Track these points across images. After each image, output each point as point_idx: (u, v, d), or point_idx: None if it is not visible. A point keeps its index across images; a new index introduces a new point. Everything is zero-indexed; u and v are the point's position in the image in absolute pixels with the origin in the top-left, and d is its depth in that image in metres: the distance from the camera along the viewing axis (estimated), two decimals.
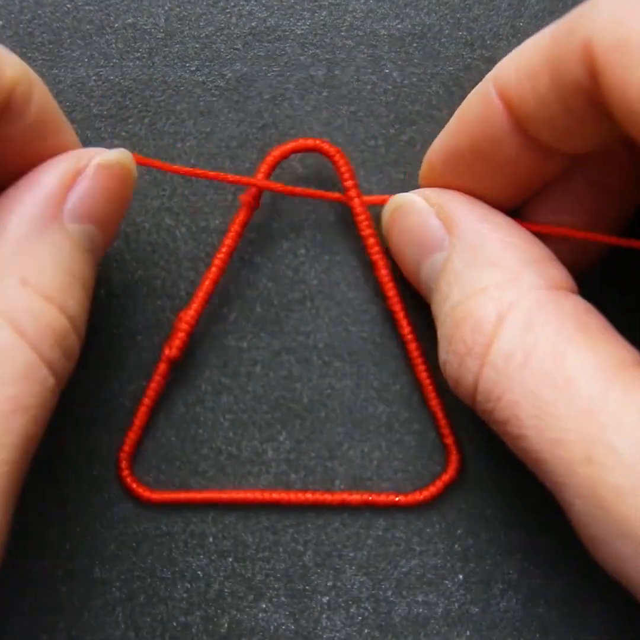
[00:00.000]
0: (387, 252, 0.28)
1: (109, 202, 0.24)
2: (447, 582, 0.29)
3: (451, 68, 0.30)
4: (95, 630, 0.29)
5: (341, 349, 0.30)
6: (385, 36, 0.30)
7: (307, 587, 0.29)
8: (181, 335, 0.28)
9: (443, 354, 0.25)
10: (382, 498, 0.29)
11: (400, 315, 0.29)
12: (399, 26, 0.30)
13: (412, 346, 0.29)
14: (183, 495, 0.29)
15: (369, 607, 0.29)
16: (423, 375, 0.29)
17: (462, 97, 0.30)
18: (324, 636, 0.29)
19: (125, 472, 0.29)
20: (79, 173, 0.24)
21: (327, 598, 0.29)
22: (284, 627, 0.29)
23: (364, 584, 0.29)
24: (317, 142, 0.28)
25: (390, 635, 0.29)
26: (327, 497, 0.29)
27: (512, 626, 0.29)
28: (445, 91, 0.30)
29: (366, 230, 0.28)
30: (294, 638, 0.29)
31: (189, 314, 0.28)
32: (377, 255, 0.29)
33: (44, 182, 0.23)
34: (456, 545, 0.29)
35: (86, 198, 0.23)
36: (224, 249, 0.28)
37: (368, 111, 0.30)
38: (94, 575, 0.29)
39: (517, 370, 0.22)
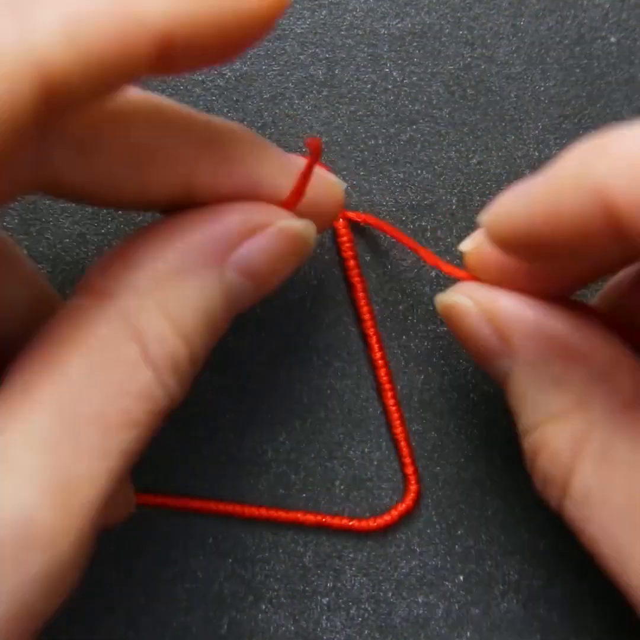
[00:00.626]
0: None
1: (275, 266, 0.23)
2: (447, 583, 0.29)
3: (451, 67, 0.30)
4: (96, 630, 0.29)
5: (341, 349, 0.30)
6: (385, 35, 0.30)
7: (307, 588, 0.29)
8: None
9: (528, 466, 0.25)
10: (336, 521, 0.29)
11: (374, 339, 0.29)
12: (399, 25, 0.30)
13: (382, 372, 0.29)
14: (152, 500, 0.29)
15: (369, 608, 0.29)
16: (390, 402, 0.29)
17: (463, 97, 0.30)
18: (324, 637, 0.29)
19: None
20: (261, 228, 0.23)
21: (327, 599, 0.29)
22: (283, 628, 0.29)
23: (364, 585, 0.29)
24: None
25: (391, 637, 0.29)
26: (281, 514, 0.29)
27: (512, 627, 0.29)
28: (446, 90, 0.30)
29: (347, 252, 0.29)
30: (294, 639, 0.29)
31: None
32: (356, 278, 0.29)
33: (224, 223, 0.23)
34: (456, 546, 0.29)
35: (256, 255, 0.23)
36: None
37: (368, 110, 0.30)
38: (94, 575, 0.29)
39: (597, 507, 0.22)
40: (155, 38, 0.18)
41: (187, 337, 0.22)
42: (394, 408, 0.29)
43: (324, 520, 0.29)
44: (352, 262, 0.29)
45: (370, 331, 0.29)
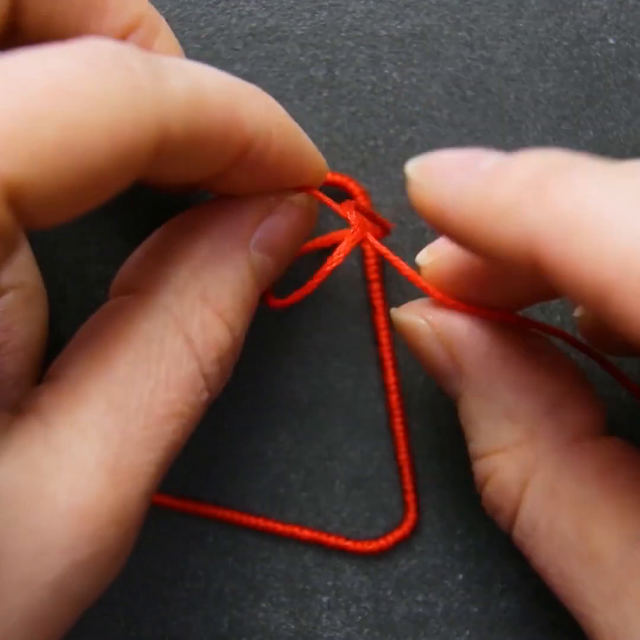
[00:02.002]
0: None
1: (290, 237, 0.25)
2: (446, 581, 0.29)
3: (451, 69, 0.30)
4: (96, 629, 0.29)
5: (341, 349, 0.30)
6: (385, 37, 0.30)
7: (307, 587, 0.29)
8: None
9: (477, 488, 0.25)
10: (331, 539, 0.29)
11: (389, 363, 0.29)
12: (399, 27, 0.30)
13: (394, 397, 0.29)
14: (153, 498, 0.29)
15: (369, 607, 0.29)
16: (399, 428, 0.29)
17: (462, 98, 0.30)
18: (324, 636, 0.29)
19: None
20: (274, 206, 0.24)
21: (327, 597, 0.29)
22: (284, 627, 0.29)
23: (364, 584, 0.29)
24: (344, 179, 0.29)
25: (390, 635, 0.29)
26: (278, 526, 0.29)
27: (511, 626, 0.29)
28: (445, 92, 0.30)
29: (373, 275, 0.28)
30: (294, 637, 0.29)
31: None
32: (378, 301, 0.29)
33: (242, 210, 0.24)
34: (456, 545, 0.29)
35: (273, 231, 0.24)
36: None
37: (368, 112, 0.30)
38: None
39: (543, 540, 0.22)
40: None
41: (227, 320, 0.23)
42: (401, 434, 0.29)
43: (320, 537, 0.29)
44: (376, 285, 0.29)
45: (386, 355, 0.29)
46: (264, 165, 0.22)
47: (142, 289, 0.22)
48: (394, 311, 0.26)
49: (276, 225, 0.24)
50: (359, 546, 0.29)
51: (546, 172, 0.19)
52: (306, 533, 0.29)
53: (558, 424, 0.23)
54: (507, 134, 0.30)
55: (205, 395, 0.22)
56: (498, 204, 0.19)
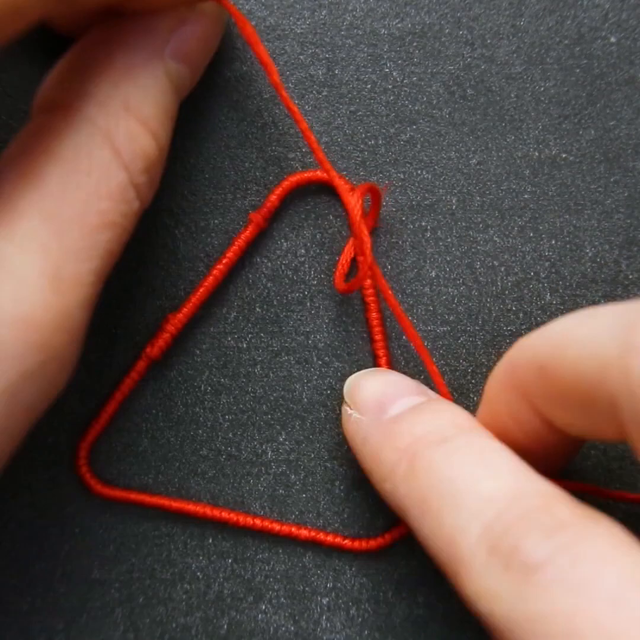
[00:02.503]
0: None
1: (202, 45, 0.26)
2: (447, 583, 0.29)
3: (451, 67, 0.30)
4: (94, 631, 0.29)
5: (341, 349, 0.30)
6: (385, 35, 0.30)
7: (306, 588, 0.29)
8: (165, 336, 0.29)
9: None
10: (329, 538, 0.29)
11: (383, 360, 0.29)
12: (399, 25, 0.30)
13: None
14: (134, 496, 0.29)
15: (369, 609, 0.29)
16: None
17: (463, 97, 0.30)
18: (324, 637, 0.29)
19: (82, 462, 0.29)
20: (184, 20, 0.25)
21: (327, 599, 0.29)
22: (283, 629, 0.29)
23: (364, 585, 0.29)
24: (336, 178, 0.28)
25: (391, 637, 0.29)
26: (275, 526, 0.29)
27: None
28: (446, 90, 0.30)
29: (364, 271, 0.28)
30: (294, 639, 0.29)
31: (178, 317, 0.29)
32: (371, 298, 0.29)
33: (155, 22, 0.24)
34: None
35: (186, 40, 0.25)
36: (224, 261, 0.29)
37: (368, 110, 0.30)
38: (93, 576, 0.29)
39: None
40: None
41: (152, 129, 0.23)
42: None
43: (317, 536, 0.29)
44: (368, 282, 0.29)
45: (380, 352, 0.29)
46: None
47: (64, 105, 0.22)
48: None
49: (189, 33, 0.25)
50: (357, 545, 0.29)
51: (418, 445, 0.22)
52: (304, 533, 0.29)
53: None
54: (508, 133, 0.30)
55: (136, 205, 0.23)
56: (381, 467, 0.23)
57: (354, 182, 0.30)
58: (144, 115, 0.23)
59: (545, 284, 0.30)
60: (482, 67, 0.30)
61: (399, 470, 0.22)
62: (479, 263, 0.30)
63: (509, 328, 0.30)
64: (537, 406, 0.23)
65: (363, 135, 0.30)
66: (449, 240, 0.30)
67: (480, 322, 0.30)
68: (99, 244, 0.22)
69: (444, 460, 0.22)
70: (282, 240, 0.30)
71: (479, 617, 0.20)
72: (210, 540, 0.29)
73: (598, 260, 0.30)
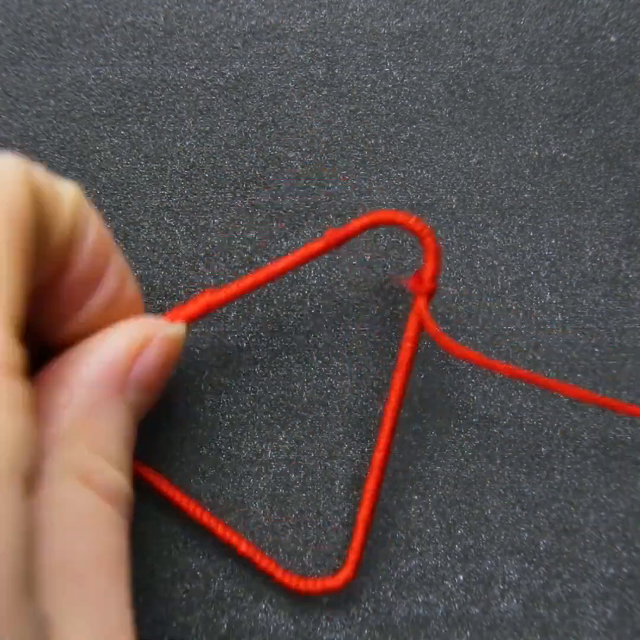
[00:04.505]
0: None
1: (164, 373, 0.25)
2: (447, 582, 0.29)
3: (451, 66, 0.30)
4: None
5: (341, 349, 0.30)
6: (385, 34, 0.30)
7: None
8: (197, 306, 0.27)
9: None
10: (279, 574, 0.28)
11: (387, 427, 0.28)
12: (399, 24, 0.30)
13: (379, 456, 0.28)
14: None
15: (369, 608, 0.29)
16: (372, 485, 0.28)
17: (463, 96, 0.30)
18: (324, 637, 0.29)
19: None
20: (146, 344, 0.25)
21: (327, 599, 0.29)
22: (283, 628, 0.29)
23: (364, 585, 0.29)
24: (411, 221, 0.26)
25: (390, 636, 0.29)
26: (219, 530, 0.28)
27: (512, 627, 0.29)
28: (446, 90, 0.30)
29: (412, 331, 0.27)
30: (294, 639, 0.29)
31: (218, 295, 0.27)
32: (405, 361, 0.28)
33: (113, 349, 0.24)
34: (456, 546, 0.29)
35: (148, 369, 0.25)
36: (281, 264, 0.27)
37: (368, 110, 0.30)
38: None
39: None
40: None
41: (121, 467, 0.24)
42: (370, 493, 0.28)
43: (254, 557, 0.28)
44: (409, 344, 0.27)
45: (390, 415, 0.28)
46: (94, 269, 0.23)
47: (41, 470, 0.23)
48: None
49: (151, 362, 0.25)
50: (286, 580, 0.28)
51: None
52: (243, 548, 0.28)
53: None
54: (508, 132, 0.30)
55: (124, 536, 0.23)
56: None
57: (354, 182, 0.30)
58: (111, 456, 0.23)
59: (545, 283, 0.30)
60: (482, 66, 0.30)
61: None
62: (478, 262, 0.30)
63: (509, 327, 0.30)
64: None
65: (363, 135, 0.30)
66: (448, 239, 0.30)
67: (480, 322, 0.30)
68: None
69: None
70: (282, 240, 0.30)
71: None
72: (211, 540, 0.30)
73: (598, 259, 0.30)
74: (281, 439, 0.30)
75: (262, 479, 0.30)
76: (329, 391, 0.30)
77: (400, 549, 0.29)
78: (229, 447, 0.30)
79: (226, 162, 0.30)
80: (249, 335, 0.30)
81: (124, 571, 0.23)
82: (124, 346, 0.24)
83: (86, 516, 0.22)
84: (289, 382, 0.30)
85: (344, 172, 0.30)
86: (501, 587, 0.29)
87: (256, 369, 0.30)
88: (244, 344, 0.30)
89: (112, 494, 0.23)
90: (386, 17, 0.30)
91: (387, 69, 0.30)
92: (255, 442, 0.30)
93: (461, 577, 0.29)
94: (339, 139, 0.30)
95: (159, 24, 0.30)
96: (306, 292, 0.30)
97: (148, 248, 0.30)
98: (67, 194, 0.23)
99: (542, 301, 0.30)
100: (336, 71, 0.30)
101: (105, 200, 0.30)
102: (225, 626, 0.29)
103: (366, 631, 0.29)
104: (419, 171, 0.30)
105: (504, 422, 0.29)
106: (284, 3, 0.30)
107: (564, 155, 0.30)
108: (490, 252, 0.30)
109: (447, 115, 0.30)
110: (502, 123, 0.30)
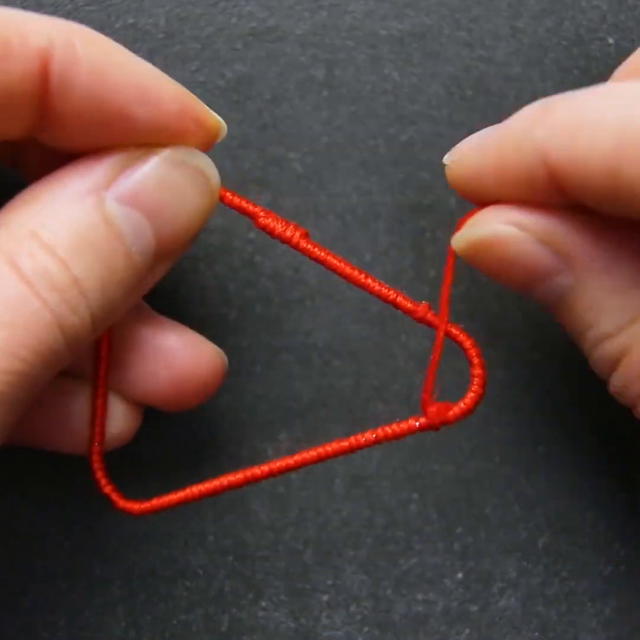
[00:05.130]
0: None
1: (163, 194, 0.23)
2: (446, 580, 0.29)
3: (451, 68, 0.30)
4: (96, 628, 0.29)
5: (341, 348, 0.30)
6: (385, 36, 0.30)
7: (307, 586, 0.29)
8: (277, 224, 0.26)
9: (602, 376, 0.24)
10: (373, 437, 0.26)
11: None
12: (399, 27, 0.30)
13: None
14: (158, 503, 0.26)
15: (369, 606, 0.29)
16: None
17: (462, 97, 0.30)
18: (324, 634, 0.29)
19: (103, 479, 0.27)
20: (142, 159, 0.23)
21: (327, 596, 0.29)
22: (284, 625, 0.29)
23: (363, 583, 0.30)
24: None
25: (390, 633, 0.29)
26: (305, 456, 0.25)
27: (511, 624, 0.29)
28: (445, 91, 0.30)
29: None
30: (294, 636, 0.29)
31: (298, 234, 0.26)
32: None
33: (95, 161, 0.23)
34: (455, 544, 0.29)
35: (138, 183, 0.23)
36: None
37: (368, 111, 0.30)
38: (95, 573, 0.29)
39: None
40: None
41: (60, 255, 0.22)
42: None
43: (363, 440, 0.25)
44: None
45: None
46: (81, 92, 0.22)
47: None
48: (463, 234, 0.25)
49: (143, 175, 0.23)
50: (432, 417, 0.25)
51: (554, 99, 0.22)
52: (344, 446, 0.26)
53: None
54: None
55: (47, 317, 0.22)
56: (514, 132, 0.23)
57: (354, 183, 0.30)
58: (51, 240, 0.22)
59: None
60: (481, 68, 0.30)
61: (535, 122, 0.22)
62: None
63: (508, 327, 0.30)
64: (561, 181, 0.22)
65: (363, 136, 0.30)
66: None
67: (480, 321, 0.30)
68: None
69: (585, 96, 0.22)
70: None
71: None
72: (211, 538, 0.30)
73: None
74: (281, 438, 0.30)
75: None
76: (329, 391, 0.30)
77: (400, 547, 0.30)
78: (230, 447, 0.30)
79: (227, 163, 0.30)
80: (250, 334, 0.30)
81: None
82: (109, 157, 0.23)
83: (9, 302, 0.21)
84: (289, 382, 0.30)
85: (344, 172, 0.30)
86: (500, 585, 0.29)
87: (256, 369, 0.30)
88: (245, 344, 0.30)
89: (36, 273, 0.21)
90: (386, 19, 0.30)
91: (387, 71, 0.30)
92: (256, 442, 0.30)
93: (460, 575, 0.29)
94: (339, 140, 0.30)
95: (160, 26, 0.30)
96: (306, 292, 0.30)
97: None
98: (34, 34, 0.21)
99: None
100: (336, 73, 0.30)
101: None
102: (226, 624, 0.29)
103: (366, 629, 0.29)
104: (418, 172, 0.30)
105: (503, 422, 0.30)
106: (285, 5, 0.30)
107: None
108: None
109: (446, 117, 0.30)
110: None
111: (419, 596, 0.29)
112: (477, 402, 0.25)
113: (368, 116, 0.30)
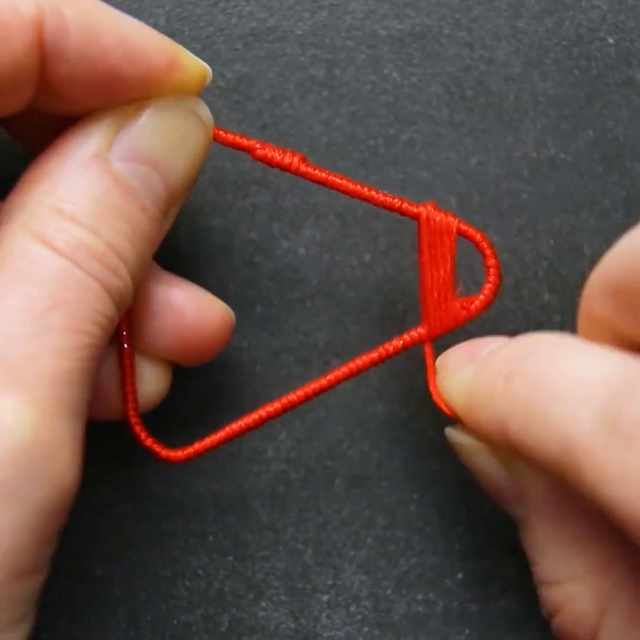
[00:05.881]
0: None
1: (166, 143, 0.23)
2: (446, 580, 0.29)
3: (451, 68, 0.30)
4: (96, 628, 0.29)
5: (341, 348, 0.30)
6: (385, 36, 0.30)
7: (307, 586, 0.29)
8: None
9: (545, 616, 0.24)
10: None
11: None
12: (399, 27, 0.30)
13: None
14: (200, 446, 0.27)
15: (369, 606, 0.29)
16: None
17: (462, 98, 0.30)
18: (324, 634, 0.29)
19: (138, 428, 0.27)
20: (135, 114, 0.23)
21: (327, 596, 0.29)
22: (284, 626, 0.29)
23: (363, 583, 0.30)
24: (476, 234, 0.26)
25: (390, 634, 0.29)
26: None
27: (511, 625, 0.29)
28: (445, 91, 0.30)
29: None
30: (294, 636, 0.29)
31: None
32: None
33: (90, 123, 0.23)
34: (456, 544, 0.29)
35: (135, 137, 0.23)
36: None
37: (368, 111, 0.30)
38: (95, 573, 0.29)
39: None
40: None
41: (87, 224, 0.22)
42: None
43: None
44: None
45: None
46: (72, 57, 0.22)
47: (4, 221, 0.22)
48: (449, 431, 0.25)
49: (139, 128, 0.23)
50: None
51: (512, 362, 0.21)
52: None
53: (633, 549, 0.21)
54: (507, 133, 0.30)
55: (90, 283, 0.22)
56: (477, 397, 0.22)
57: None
58: (76, 214, 0.22)
59: (544, 284, 0.30)
60: (481, 68, 0.30)
61: (496, 390, 0.21)
62: (477, 263, 0.30)
63: (508, 327, 0.30)
64: None
65: (363, 136, 0.30)
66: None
67: (479, 322, 0.30)
68: (74, 342, 0.21)
69: (542, 362, 0.20)
70: (283, 240, 0.30)
71: (608, 512, 0.18)
72: (211, 538, 0.30)
73: (596, 259, 0.30)
74: (281, 437, 0.30)
75: (262, 477, 0.30)
76: (329, 391, 0.30)
77: (400, 547, 0.30)
78: (229, 446, 0.30)
79: (227, 163, 0.30)
80: (250, 334, 0.30)
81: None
82: (103, 117, 0.23)
83: (47, 275, 0.21)
84: (289, 382, 0.30)
85: (344, 173, 0.30)
86: (500, 585, 0.29)
87: (256, 369, 0.30)
88: (245, 344, 0.30)
89: (76, 253, 0.21)
90: (386, 19, 0.30)
91: (387, 71, 0.30)
92: (256, 441, 0.30)
93: (460, 575, 0.29)
94: (339, 140, 0.30)
95: (160, 26, 0.30)
96: (306, 292, 0.30)
97: None
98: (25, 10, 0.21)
99: (541, 301, 0.30)
100: (336, 73, 0.30)
101: None
102: (226, 624, 0.29)
103: (366, 629, 0.29)
104: (418, 172, 0.30)
105: None
106: (285, 5, 0.30)
107: (562, 156, 0.30)
108: None
109: (446, 117, 0.30)
110: (501, 124, 0.30)
111: (419, 596, 0.29)
112: (495, 293, 0.26)
113: (368, 116, 0.30)
